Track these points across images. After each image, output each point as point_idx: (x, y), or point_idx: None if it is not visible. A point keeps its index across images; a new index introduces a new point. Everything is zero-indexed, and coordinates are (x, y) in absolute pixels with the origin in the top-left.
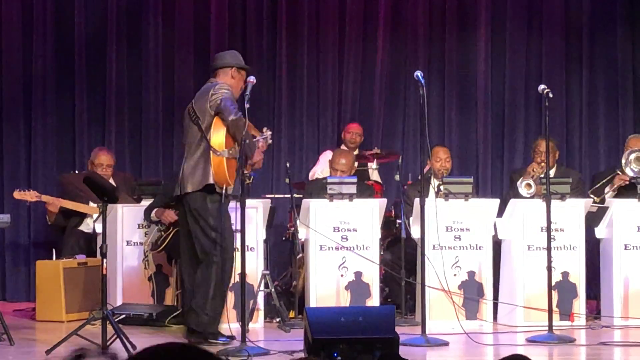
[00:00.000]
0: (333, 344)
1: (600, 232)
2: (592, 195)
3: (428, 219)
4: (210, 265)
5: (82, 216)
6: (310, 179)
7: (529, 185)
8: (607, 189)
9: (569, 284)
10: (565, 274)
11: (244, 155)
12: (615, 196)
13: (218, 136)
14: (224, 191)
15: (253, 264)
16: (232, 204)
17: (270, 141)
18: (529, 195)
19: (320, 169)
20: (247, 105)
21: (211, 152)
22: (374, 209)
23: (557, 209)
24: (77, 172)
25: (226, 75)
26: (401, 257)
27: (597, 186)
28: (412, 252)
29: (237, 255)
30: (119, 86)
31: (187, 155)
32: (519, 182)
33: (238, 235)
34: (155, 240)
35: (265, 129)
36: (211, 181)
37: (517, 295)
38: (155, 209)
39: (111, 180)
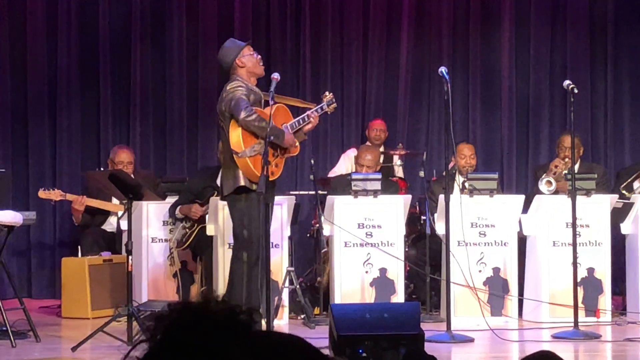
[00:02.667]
0: (358, 340)
1: (625, 227)
2: (624, 191)
3: (453, 215)
4: (238, 266)
5: (106, 215)
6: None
7: (549, 182)
8: (636, 184)
9: (594, 280)
10: (590, 270)
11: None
12: None
13: (235, 137)
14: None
15: (278, 261)
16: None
17: (331, 106)
18: (549, 193)
19: (339, 170)
20: (271, 103)
21: (233, 155)
22: (398, 205)
23: (582, 205)
24: (102, 169)
25: (236, 69)
26: (426, 253)
27: (627, 182)
28: (436, 249)
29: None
30: (143, 84)
31: (223, 158)
32: (540, 179)
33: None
34: (181, 237)
35: (326, 94)
36: (242, 183)
37: (543, 292)
38: (180, 206)
39: None
